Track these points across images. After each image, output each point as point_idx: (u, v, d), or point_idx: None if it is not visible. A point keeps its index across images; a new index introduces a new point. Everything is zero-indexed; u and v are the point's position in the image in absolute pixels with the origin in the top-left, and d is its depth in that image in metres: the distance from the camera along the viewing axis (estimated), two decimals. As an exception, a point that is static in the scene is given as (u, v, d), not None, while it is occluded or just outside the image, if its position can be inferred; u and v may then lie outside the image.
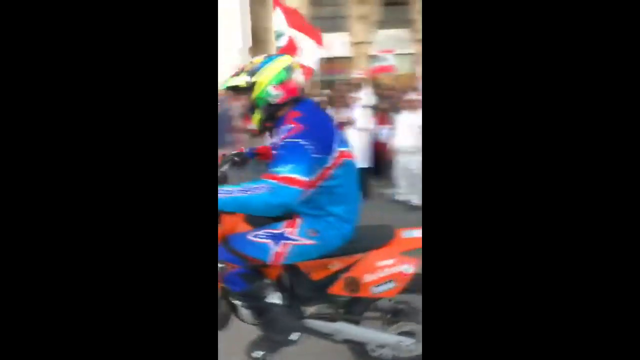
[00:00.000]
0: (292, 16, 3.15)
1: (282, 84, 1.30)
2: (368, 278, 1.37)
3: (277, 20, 3.09)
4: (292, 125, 1.23)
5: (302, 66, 3.09)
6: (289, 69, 1.32)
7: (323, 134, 1.28)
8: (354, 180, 1.39)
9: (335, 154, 1.29)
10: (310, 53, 3.16)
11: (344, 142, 1.36)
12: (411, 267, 1.36)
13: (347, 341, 1.54)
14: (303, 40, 3.06)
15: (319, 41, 3.26)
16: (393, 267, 1.36)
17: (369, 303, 1.53)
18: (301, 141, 1.19)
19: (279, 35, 3.01)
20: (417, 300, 1.53)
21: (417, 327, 1.51)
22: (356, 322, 1.53)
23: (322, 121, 1.34)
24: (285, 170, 1.14)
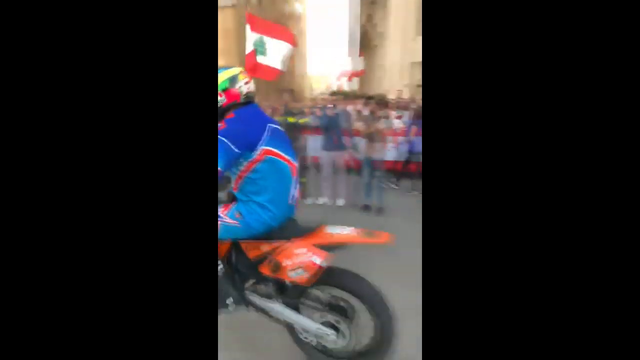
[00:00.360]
0: (260, 23, 3.42)
1: (225, 91, 1.57)
2: (286, 263, 1.52)
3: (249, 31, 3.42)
4: (220, 124, 1.48)
5: (260, 69, 3.43)
6: (232, 79, 1.58)
7: (247, 133, 1.48)
8: (278, 175, 1.55)
9: (259, 152, 1.49)
10: (277, 55, 3.41)
11: (277, 144, 1.54)
12: (319, 259, 1.45)
13: (284, 321, 1.70)
14: (272, 43, 3.36)
15: (291, 42, 3.52)
16: (305, 256, 1.48)
17: (304, 290, 1.66)
18: (221, 137, 1.42)
19: (258, 45, 3.33)
20: (355, 302, 1.60)
21: (345, 325, 1.60)
22: (294, 306, 1.69)
23: (251, 123, 1.53)
24: None
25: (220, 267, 1.68)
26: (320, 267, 1.45)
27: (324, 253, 1.47)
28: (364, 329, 1.62)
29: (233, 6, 13.21)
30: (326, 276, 1.54)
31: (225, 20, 13.40)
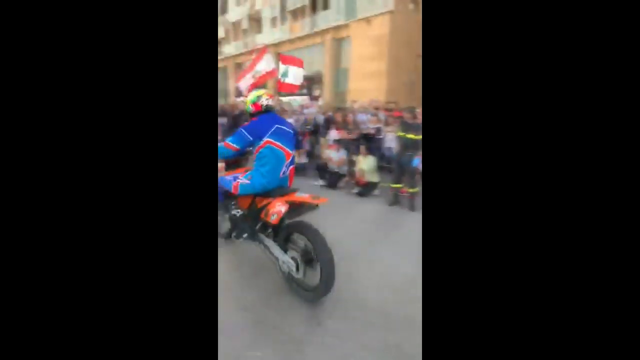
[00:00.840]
0: (287, 58, 6.09)
1: (253, 103, 2.52)
2: (270, 211, 2.34)
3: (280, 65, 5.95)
4: (246, 123, 2.41)
5: (284, 87, 5.80)
6: (259, 97, 2.52)
7: (259, 129, 2.35)
8: (274, 157, 2.36)
9: (263, 141, 2.34)
10: (295, 76, 6.03)
11: (278, 138, 2.36)
12: (283, 207, 2.23)
13: (273, 254, 2.52)
14: (292, 69, 6.00)
15: (301, 65, 6.08)
16: (278, 207, 2.28)
17: (289, 235, 2.44)
18: (243, 130, 2.35)
19: (283, 72, 5.85)
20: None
21: (303, 266, 2.31)
22: (284, 246, 2.49)
23: (263, 124, 2.37)
24: (228, 140, 2.36)
25: (240, 212, 2.63)
26: (282, 213, 2.23)
27: (287, 205, 2.25)
28: (315, 274, 2.28)
29: (381, 15, 14.01)
30: (308, 231, 2.25)
31: (379, 27, 14.27)
